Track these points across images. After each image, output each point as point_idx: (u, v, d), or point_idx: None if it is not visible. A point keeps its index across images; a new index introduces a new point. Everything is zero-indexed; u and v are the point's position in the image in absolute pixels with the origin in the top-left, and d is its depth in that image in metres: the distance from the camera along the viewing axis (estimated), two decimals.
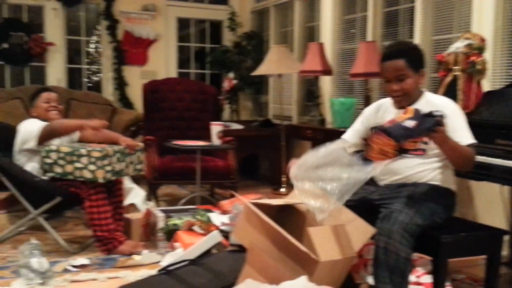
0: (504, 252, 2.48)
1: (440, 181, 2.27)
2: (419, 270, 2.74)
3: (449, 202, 2.27)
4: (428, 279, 2.44)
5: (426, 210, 2.15)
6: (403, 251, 2.03)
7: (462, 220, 2.84)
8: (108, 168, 3.06)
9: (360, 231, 2.22)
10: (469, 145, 2.18)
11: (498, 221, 3.15)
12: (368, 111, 2.54)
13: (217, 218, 3.25)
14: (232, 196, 4.37)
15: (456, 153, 2.14)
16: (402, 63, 2.24)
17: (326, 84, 5.16)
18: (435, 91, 3.24)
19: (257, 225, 2.16)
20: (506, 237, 2.84)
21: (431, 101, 2.28)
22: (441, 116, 2.00)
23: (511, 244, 2.91)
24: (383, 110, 2.45)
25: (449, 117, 2.14)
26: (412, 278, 2.62)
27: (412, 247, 2.06)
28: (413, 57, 2.29)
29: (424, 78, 2.32)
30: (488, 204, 3.37)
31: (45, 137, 3.10)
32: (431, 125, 1.98)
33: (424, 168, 2.29)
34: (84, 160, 3.03)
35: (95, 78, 6.45)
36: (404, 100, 2.30)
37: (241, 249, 2.72)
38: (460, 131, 2.20)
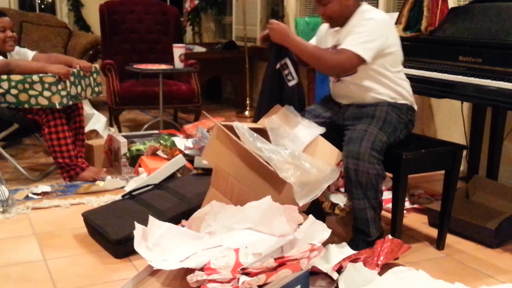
0: (462, 167, 2.54)
1: (396, 98, 2.25)
2: None
3: (409, 117, 2.27)
4: (387, 195, 2.50)
5: (389, 127, 2.16)
6: (373, 169, 2.06)
7: (423, 136, 2.89)
8: (64, 92, 2.95)
9: (328, 154, 2.21)
10: (345, 50, 2.11)
11: (457, 137, 3.23)
12: (321, 29, 2.47)
13: (181, 142, 3.22)
14: (197, 119, 4.33)
15: (301, 51, 2.21)
16: None
17: (291, 3, 5.01)
18: (401, 8, 3.18)
19: (228, 145, 2.14)
20: (464, 154, 2.93)
21: (360, 16, 2.19)
22: None
23: (469, 159, 2.99)
24: (326, 30, 2.39)
25: (355, 25, 2.16)
26: None
27: (381, 162, 2.08)
28: None
29: None
30: (449, 121, 3.43)
31: None
32: None
33: (367, 85, 2.23)
34: (38, 86, 2.90)
35: None
36: (333, 22, 2.27)
37: (205, 172, 2.72)
38: (349, 37, 2.13)
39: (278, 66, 2.34)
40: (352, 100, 2.32)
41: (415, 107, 2.33)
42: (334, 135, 2.27)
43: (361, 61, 2.12)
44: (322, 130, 2.27)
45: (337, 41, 2.24)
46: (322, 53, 2.22)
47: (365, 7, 2.24)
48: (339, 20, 2.25)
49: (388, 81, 2.24)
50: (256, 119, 2.40)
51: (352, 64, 2.13)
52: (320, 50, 2.25)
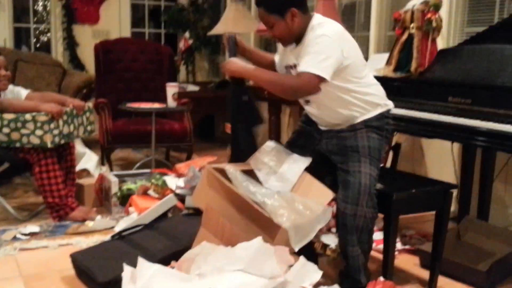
0: (453, 208, 2.53)
1: (368, 109, 2.18)
2: None
3: (386, 127, 2.21)
4: (379, 235, 2.48)
5: (375, 153, 2.13)
6: (371, 213, 2.06)
7: (414, 176, 2.89)
8: (56, 131, 2.95)
9: (319, 194, 2.19)
10: (303, 73, 2.04)
11: (448, 178, 3.23)
12: (279, 46, 2.39)
13: (172, 181, 3.21)
14: (189, 158, 4.33)
15: (259, 80, 2.15)
16: (262, 12, 2.15)
17: None
18: (391, 49, 3.24)
19: (218, 189, 2.12)
20: (455, 195, 2.92)
21: (312, 34, 2.12)
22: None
23: (459, 200, 2.99)
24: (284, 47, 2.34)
25: (308, 44, 2.08)
26: None
27: (376, 204, 2.07)
28: (271, 3, 2.13)
29: (297, 16, 2.12)
30: (439, 162, 3.44)
31: None
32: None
33: (335, 108, 2.18)
34: (30, 125, 2.90)
35: (44, 38, 6.17)
36: (285, 42, 2.23)
37: (196, 213, 2.70)
38: (305, 59, 2.06)
39: (246, 98, 2.40)
40: (328, 123, 2.26)
41: (390, 104, 2.25)
42: (320, 163, 2.25)
43: (321, 80, 2.03)
44: (308, 161, 2.22)
45: (297, 59, 2.17)
46: (281, 78, 2.18)
47: (315, 20, 2.15)
48: (290, 39, 2.19)
49: (356, 95, 2.15)
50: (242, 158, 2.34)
51: (313, 85, 2.04)
52: (278, 76, 2.22)
